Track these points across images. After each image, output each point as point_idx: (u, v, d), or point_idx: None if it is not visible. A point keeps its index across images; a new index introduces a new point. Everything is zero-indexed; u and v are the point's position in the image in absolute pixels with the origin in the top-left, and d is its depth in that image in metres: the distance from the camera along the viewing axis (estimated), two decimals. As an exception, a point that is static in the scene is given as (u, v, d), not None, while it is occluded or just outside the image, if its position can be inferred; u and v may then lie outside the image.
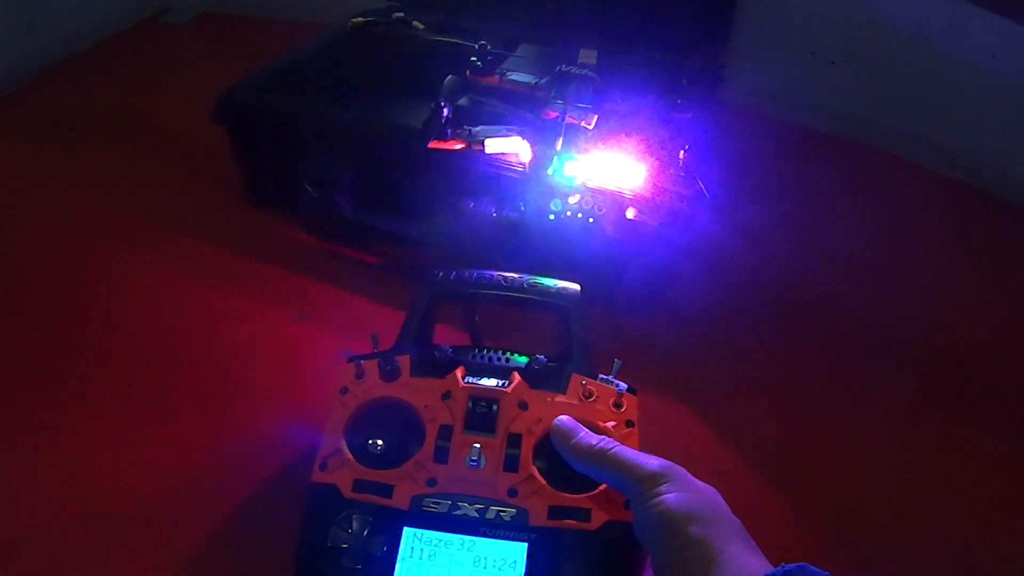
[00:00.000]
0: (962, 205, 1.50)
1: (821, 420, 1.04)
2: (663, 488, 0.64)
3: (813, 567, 0.56)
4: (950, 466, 1.00)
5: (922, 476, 0.99)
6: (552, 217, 0.98)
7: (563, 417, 0.73)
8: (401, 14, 1.33)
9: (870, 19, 1.56)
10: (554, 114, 0.95)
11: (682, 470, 0.66)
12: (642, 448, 0.72)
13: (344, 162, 1.11)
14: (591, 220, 0.95)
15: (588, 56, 1.02)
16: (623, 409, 0.76)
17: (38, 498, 0.88)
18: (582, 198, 0.94)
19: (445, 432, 0.74)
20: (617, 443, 0.70)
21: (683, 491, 0.63)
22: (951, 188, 1.53)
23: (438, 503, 0.71)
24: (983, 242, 1.42)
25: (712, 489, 0.65)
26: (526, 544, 0.69)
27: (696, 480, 0.65)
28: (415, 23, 1.32)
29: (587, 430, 0.72)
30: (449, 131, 1.00)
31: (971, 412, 1.08)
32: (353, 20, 1.35)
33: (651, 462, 0.66)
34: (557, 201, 0.97)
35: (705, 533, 0.60)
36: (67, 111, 1.59)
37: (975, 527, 0.93)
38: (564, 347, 0.81)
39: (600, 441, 0.70)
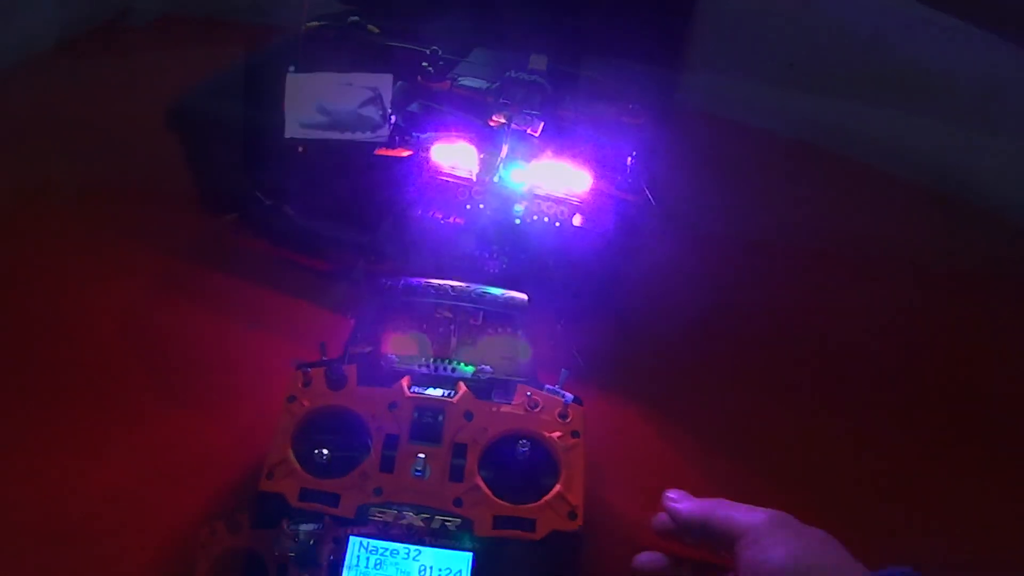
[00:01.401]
0: (923, 208, 1.51)
1: (765, 431, 1.04)
2: (768, 543, 0.62)
3: None
4: (935, 480, 1.00)
5: (888, 491, 0.99)
6: (518, 220, 0.98)
7: (674, 491, 0.74)
8: (356, 18, 1.33)
9: (828, 21, 1.57)
10: (500, 120, 0.96)
11: (790, 518, 0.64)
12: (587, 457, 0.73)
13: (294, 169, 1.11)
14: (534, 223, 0.96)
15: (538, 62, 1.03)
16: (569, 420, 0.77)
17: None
18: (528, 205, 0.95)
19: (391, 442, 0.75)
20: (723, 500, 0.69)
21: (789, 543, 0.61)
22: (911, 191, 1.54)
23: (384, 512, 0.72)
24: (944, 244, 1.43)
25: (821, 533, 0.63)
26: (471, 554, 0.70)
27: (804, 527, 0.64)
28: (370, 27, 1.31)
29: (691, 497, 0.72)
30: (397, 138, 1.00)
31: (952, 426, 1.08)
32: (308, 24, 1.34)
33: (755, 515, 0.65)
34: (518, 207, 0.97)
35: None
36: (20, 115, 1.57)
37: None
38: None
39: (707, 501, 0.70)
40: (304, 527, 0.71)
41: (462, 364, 0.82)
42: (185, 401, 1.01)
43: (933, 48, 1.49)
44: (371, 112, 1.06)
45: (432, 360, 0.82)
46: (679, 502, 0.72)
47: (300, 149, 1.07)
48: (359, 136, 1.06)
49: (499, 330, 0.84)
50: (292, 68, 1.09)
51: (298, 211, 1.13)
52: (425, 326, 0.85)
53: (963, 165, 1.53)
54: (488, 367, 0.79)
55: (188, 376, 1.05)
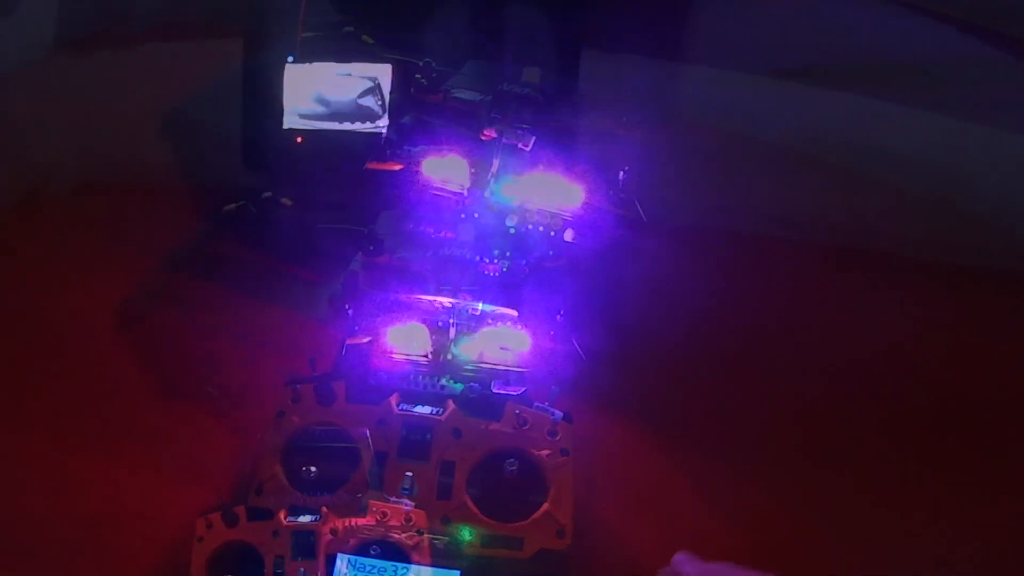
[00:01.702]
0: (921, 208, 1.50)
1: (757, 441, 1.04)
2: None
3: None
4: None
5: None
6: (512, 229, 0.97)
7: (680, 554, 0.74)
8: (351, 29, 1.32)
9: (825, 29, 1.56)
10: (492, 134, 0.95)
11: None
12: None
13: (287, 180, 1.11)
14: (530, 232, 0.95)
15: (531, 75, 1.02)
16: (558, 437, 0.77)
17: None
18: (519, 220, 0.94)
19: (379, 458, 0.75)
20: (727, 565, 0.71)
21: None
22: (910, 192, 1.53)
23: (372, 529, 0.72)
24: (942, 244, 1.43)
25: None
26: (459, 572, 0.70)
27: None
28: (364, 38, 1.31)
29: (697, 560, 0.73)
30: (388, 151, 0.99)
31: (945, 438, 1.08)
32: (303, 35, 1.34)
33: None
34: (510, 220, 0.97)
35: None
36: (20, 116, 1.57)
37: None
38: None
39: (713, 567, 0.71)
40: (302, 519, 0.71)
41: (451, 381, 0.81)
42: (174, 413, 1.01)
43: (930, 49, 1.49)
44: (370, 102, 1.05)
45: (426, 372, 0.82)
46: (684, 565, 0.73)
47: (298, 139, 1.07)
48: (358, 127, 1.05)
49: (498, 321, 0.84)
50: (291, 59, 1.08)
51: (289, 222, 1.13)
52: (424, 317, 0.85)
53: (961, 165, 1.52)
54: (477, 384, 0.79)
55: (177, 389, 1.05)
